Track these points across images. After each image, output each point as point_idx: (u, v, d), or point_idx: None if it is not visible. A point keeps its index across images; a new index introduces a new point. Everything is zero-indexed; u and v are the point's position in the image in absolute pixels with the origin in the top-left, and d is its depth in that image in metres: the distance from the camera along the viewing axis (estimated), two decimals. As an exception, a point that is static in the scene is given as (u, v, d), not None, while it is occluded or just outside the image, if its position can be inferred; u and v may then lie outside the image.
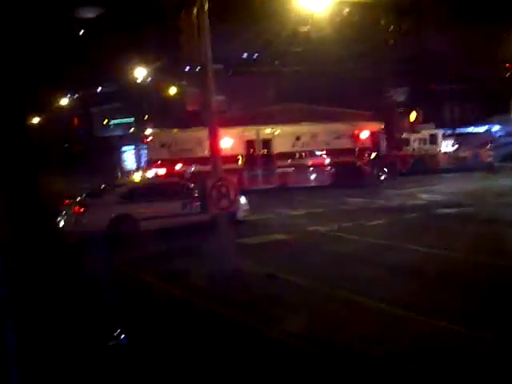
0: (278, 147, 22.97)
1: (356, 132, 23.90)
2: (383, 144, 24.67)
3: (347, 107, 25.48)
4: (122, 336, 4.05)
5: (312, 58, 24.17)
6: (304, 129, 23.58)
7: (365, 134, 23.92)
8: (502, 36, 25.58)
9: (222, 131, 21.86)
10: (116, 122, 40.04)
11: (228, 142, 20.77)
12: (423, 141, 28.51)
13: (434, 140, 28.56)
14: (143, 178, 12.96)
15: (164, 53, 25.38)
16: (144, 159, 22.49)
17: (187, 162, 20.60)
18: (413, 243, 10.15)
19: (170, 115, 26.63)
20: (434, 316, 6.21)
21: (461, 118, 35.33)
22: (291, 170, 23.17)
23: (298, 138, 23.31)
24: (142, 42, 27.71)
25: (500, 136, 31.36)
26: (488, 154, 28.88)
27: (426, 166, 27.54)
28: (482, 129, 32.56)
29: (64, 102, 40.60)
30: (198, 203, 10.37)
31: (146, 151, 21.97)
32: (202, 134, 20.11)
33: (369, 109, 24.95)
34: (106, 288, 7.55)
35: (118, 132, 39.56)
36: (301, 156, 23.39)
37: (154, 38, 26.44)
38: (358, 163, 23.85)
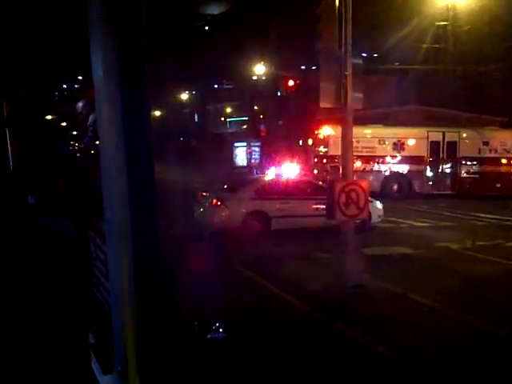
0: (464, 151, 21.84)
1: None
2: None
3: (481, 112, 23.45)
4: (220, 330, 4.13)
5: (447, 56, 22.40)
6: (492, 134, 22.26)
7: None
8: None
9: (405, 131, 21.53)
10: (231, 119, 40.73)
11: (412, 142, 21.16)
12: None
13: None
14: (280, 176, 12.80)
15: (289, 49, 25.08)
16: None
17: (367, 160, 20.67)
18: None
19: (289, 111, 26.26)
20: None
21: None
22: (477, 176, 21.83)
23: (485, 143, 21.92)
24: (264, 40, 27.62)
25: None
26: None
27: None
28: None
29: (184, 97, 42.13)
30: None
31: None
32: (384, 131, 21.41)
33: (505, 114, 22.71)
34: (214, 284, 7.39)
35: (232, 129, 40.21)
36: (487, 162, 21.90)
37: (277, 34, 26.21)
38: None
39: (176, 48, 29.70)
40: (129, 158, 1.51)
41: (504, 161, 22.00)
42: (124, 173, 1.53)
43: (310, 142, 22.08)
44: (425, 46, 21.58)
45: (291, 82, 26.70)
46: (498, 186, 21.50)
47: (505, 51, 19.33)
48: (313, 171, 20.20)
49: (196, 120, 45.19)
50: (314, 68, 24.99)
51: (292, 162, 16.42)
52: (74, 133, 9.64)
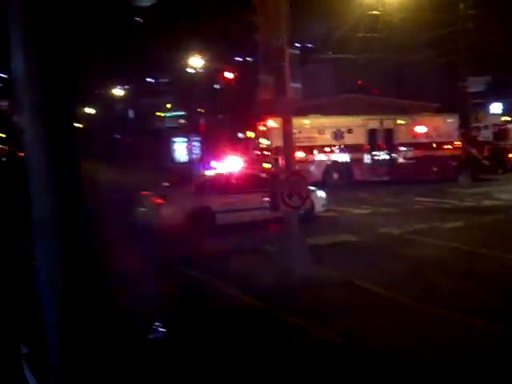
0: (400, 138, 22.46)
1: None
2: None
3: (412, 98, 24.19)
4: (161, 330, 4.03)
5: (379, 45, 22.90)
6: (427, 120, 22.97)
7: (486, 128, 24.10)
8: None
9: (344, 120, 21.99)
10: (169, 114, 39.91)
11: (351, 131, 21.62)
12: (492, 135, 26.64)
13: (503, 134, 26.56)
14: (223, 170, 12.61)
15: (225, 41, 24.74)
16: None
17: (309, 150, 20.81)
18: (495, 249, 9.14)
19: (228, 105, 25.98)
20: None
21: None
22: (413, 161, 22.44)
23: (420, 129, 22.70)
24: (199, 31, 27.14)
25: None
26: None
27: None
28: None
29: (117, 92, 40.80)
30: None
31: (263, 139, 21.22)
32: (323, 121, 21.52)
33: (439, 100, 23.56)
34: (153, 283, 7.21)
35: (170, 124, 39.43)
36: (423, 147, 22.54)
37: (212, 26, 25.82)
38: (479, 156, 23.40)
39: (108, 42, 28.74)
40: (54, 158, 1.49)
41: (437, 146, 22.87)
42: (49, 172, 1.50)
43: (252, 134, 22.03)
44: (360, 34, 21.95)
45: (229, 75, 26.46)
46: (434, 170, 22.34)
47: (436, 39, 20.02)
48: (255, 164, 20.15)
49: (131, 116, 43.97)
50: (252, 60, 24.94)
51: (234, 155, 16.26)
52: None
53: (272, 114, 18.92)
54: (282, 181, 7.13)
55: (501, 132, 26.36)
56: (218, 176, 12.46)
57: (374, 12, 19.27)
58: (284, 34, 7.16)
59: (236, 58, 28.90)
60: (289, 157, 7.41)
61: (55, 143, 1.58)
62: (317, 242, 9.78)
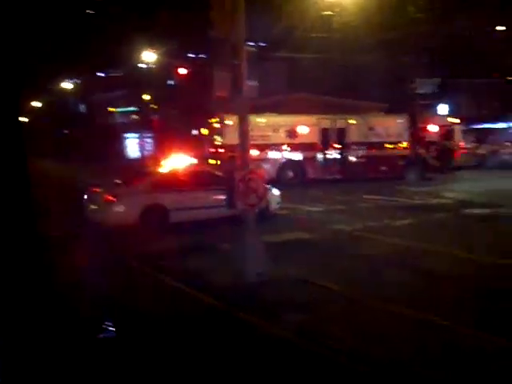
0: (352, 137, 22.83)
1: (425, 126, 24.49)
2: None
3: (362, 99, 24.71)
4: (111, 329, 3.98)
5: (332, 45, 23.25)
6: (377, 120, 23.44)
7: (433, 128, 24.80)
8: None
9: (298, 118, 21.97)
10: (120, 110, 39.03)
11: (305, 129, 21.70)
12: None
13: (449, 135, 27.57)
14: (177, 167, 12.36)
15: (179, 36, 24.38)
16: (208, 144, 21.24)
17: (263, 148, 20.74)
18: (445, 246, 9.46)
19: (182, 101, 25.65)
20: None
21: (478, 113, 34.32)
22: (364, 160, 22.92)
23: (371, 129, 23.07)
24: (153, 26, 26.64)
25: None
26: (507, 152, 28.03)
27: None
28: (501, 126, 31.55)
29: (67, 85, 39.52)
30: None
31: (216, 136, 20.90)
32: (277, 120, 21.47)
33: (389, 101, 24.19)
34: (104, 282, 7.30)
35: (122, 120, 38.59)
36: (373, 147, 23.03)
37: (166, 20, 25.39)
38: (427, 156, 23.99)
39: (58, 34, 27.79)
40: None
41: (388, 145, 23.51)
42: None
43: (205, 131, 21.86)
44: (314, 35, 22.22)
45: (183, 70, 26.11)
46: (384, 168, 22.95)
47: (387, 40, 20.53)
48: (209, 161, 20.01)
49: (81, 111, 42.67)
50: (206, 56, 24.69)
51: (187, 152, 16.08)
52: None
53: (227, 111, 18.83)
54: (239, 178, 7.10)
55: (447, 133, 27.35)
56: (172, 173, 12.26)
57: (328, 13, 19.55)
58: (241, 30, 7.13)
59: (190, 54, 28.59)
60: (245, 155, 7.40)
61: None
62: (272, 239, 9.81)
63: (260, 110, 20.26)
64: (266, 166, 20.49)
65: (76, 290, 6.74)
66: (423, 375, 4.74)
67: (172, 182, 11.85)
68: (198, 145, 21.34)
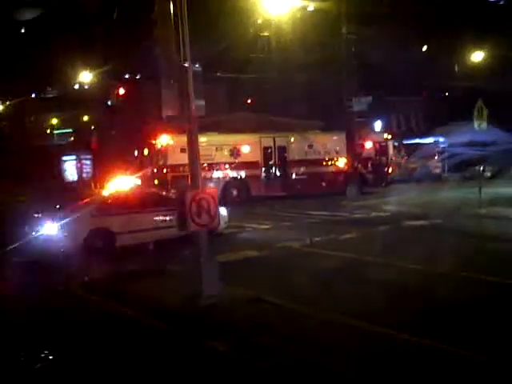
0: (292, 155, 23.32)
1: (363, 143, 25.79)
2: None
3: (299, 117, 25.34)
4: (49, 358, 4.00)
5: (269, 65, 23.77)
6: (315, 137, 24.05)
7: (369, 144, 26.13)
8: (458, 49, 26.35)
9: (240, 137, 21.92)
10: (57, 131, 37.72)
11: (247, 148, 22.07)
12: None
13: (384, 150, 28.72)
14: (121, 189, 12.02)
15: (120, 56, 23.97)
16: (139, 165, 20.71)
17: (207, 167, 20.65)
18: (391, 258, 9.69)
19: (122, 121, 25.16)
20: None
21: (407, 129, 36.09)
22: (305, 177, 23.40)
23: (310, 146, 23.65)
24: (87, 44, 26.10)
25: (444, 147, 32.08)
26: (436, 165, 29.57)
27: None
28: (428, 140, 33.24)
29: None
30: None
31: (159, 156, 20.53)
32: (220, 139, 21.32)
33: (327, 118, 24.91)
34: (41, 309, 7.11)
35: (59, 141, 37.31)
36: (313, 163, 23.56)
37: (105, 39, 24.96)
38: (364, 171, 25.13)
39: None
40: None
41: (327, 161, 24.20)
42: None
43: (146, 152, 21.55)
44: (252, 55, 22.64)
45: (122, 91, 25.71)
46: (324, 184, 23.54)
47: (324, 60, 21.27)
48: (152, 182, 19.70)
49: (14, 133, 40.90)
50: (146, 76, 24.40)
51: (129, 174, 15.75)
52: None
53: (172, 130, 18.64)
54: (190, 198, 7.03)
55: (382, 148, 28.50)
56: (117, 195, 11.97)
57: (266, 34, 20.01)
58: (186, 48, 7.13)
59: (128, 75, 28.18)
60: (195, 174, 7.34)
61: None
62: (221, 259, 9.73)
63: (202, 129, 20.26)
64: (211, 185, 20.46)
65: (13, 319, 6.43)
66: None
67: (117, 205, 11.56)
68: (139, 166, 21.00)
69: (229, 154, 21.84)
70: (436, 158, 30.13)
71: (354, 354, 5.45)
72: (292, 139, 23.43)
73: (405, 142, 32.42)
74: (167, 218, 11.30)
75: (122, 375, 5.20)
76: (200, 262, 7.27)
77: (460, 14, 27.25)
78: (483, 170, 20.29)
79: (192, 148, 7.28)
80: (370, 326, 6.21)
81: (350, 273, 9.06)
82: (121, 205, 11.58)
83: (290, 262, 10.24)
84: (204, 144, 21.03)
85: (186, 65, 7.13)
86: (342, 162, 24.44)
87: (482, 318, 6.42)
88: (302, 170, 23.59)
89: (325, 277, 8.79)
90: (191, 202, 7.07)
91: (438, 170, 29.52)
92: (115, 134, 29.43)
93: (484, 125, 16.92)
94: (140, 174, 18.48)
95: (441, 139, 32.85)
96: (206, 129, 21.03)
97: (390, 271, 8.99)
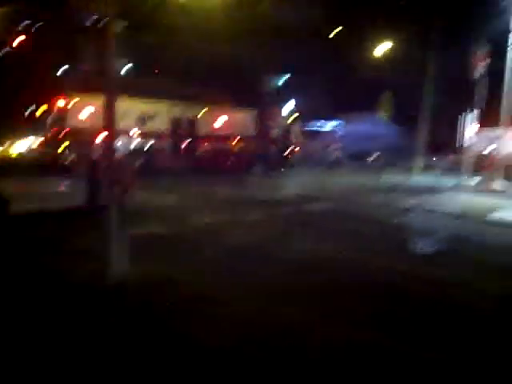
0: (201, 129, 22.60)
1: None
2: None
3: (210, 89, 24.76)
4: None
5: (190, 32, 22.72)
6: (227, 113, 23.44)
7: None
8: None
9: (148, 104, 20.25)
10: None
11: (154, 117, 21.08)
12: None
13: (288, 133, 29.17)
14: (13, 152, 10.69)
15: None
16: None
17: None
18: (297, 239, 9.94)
19: (17, 75, 22.59)
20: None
21: (310, 113, 36.78)
22: (211, 152, 22.76)
23: (220, 121, 23.08)
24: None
25: (345, 133, 33.30)
26: (336, 151, 30.67)
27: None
28: (329, 125, 34.29)
29: None
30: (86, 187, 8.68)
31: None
32: (130, 103, 19.38)
33: (236, 93, 24.56)
34: None
35: None
36: (221, 140, 22.83)
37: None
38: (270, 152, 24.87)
39: None
40: None
41: (234, 139, 24.01)
42: None
43: (45, 111, 19.58)
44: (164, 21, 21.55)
45: (21, 37, 23.04)
46: (232, 161, 23.41)
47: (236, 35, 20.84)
48: (46, 146, 17.99)
49: None
50: (50, 22, 21.97)
51: (23, 134, 14.20)
52: None
53: (85, 88, 17.05)
54: (103, 168, 6.36)
55: (286, 130, 28.95)
56: (12, 159, 10.75)
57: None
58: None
59: (28, 21, 25.29)
60: (110, 141, 6.65)
61: None
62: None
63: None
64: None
65: None
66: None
67: (12, 170, 10.39)
68: (36, 126, 19.08)
69: (135, 121, 20.69)
70: (336, 142, 31.23)
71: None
72: (203, 112, 22.85)
73: (309, 125, 33.18)
74: (66, 187, 10.38)
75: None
76: (110, 236, 6.64)
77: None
78: (375, 160, 21.56)
79: (109, 111, 6.56)
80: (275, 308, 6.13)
81: (261, 251, 8.94)
82: (15, 169, 10.43)
83: (199, 239, 9.89)
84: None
85: (110, 19, 6.36)
86: (250, 141, 24.39)
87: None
88: (210, 144, 23.18)
89: (232, 255, 8.62)
90: (104, 172, 6.41)
91: (337, 155, 30.63)
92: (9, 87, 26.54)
93: (386, 116, 17.82)
94: (35, 135, 16.77)
95: (342, 125, 34.12)
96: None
97: (300, 252, 9.05)
